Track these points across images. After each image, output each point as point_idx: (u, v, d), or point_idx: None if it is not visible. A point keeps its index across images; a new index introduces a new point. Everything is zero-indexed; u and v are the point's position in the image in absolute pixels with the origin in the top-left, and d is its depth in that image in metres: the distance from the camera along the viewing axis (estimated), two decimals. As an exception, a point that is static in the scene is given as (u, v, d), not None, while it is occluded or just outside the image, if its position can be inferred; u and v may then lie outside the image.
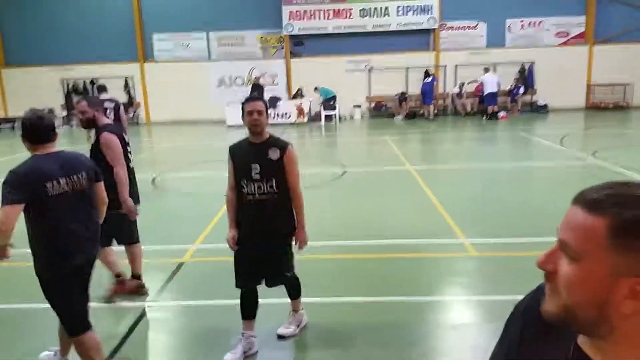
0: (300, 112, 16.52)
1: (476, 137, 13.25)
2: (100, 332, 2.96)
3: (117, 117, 8.14)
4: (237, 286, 3.24)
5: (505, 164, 9.64)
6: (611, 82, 17.48)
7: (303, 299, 3.95)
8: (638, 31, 17.20)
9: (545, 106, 17.21)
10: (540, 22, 17.60)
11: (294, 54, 18.24)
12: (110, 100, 8.56)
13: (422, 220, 5.98)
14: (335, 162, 9.92)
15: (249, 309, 3.30)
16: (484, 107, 16.22)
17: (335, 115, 16.62)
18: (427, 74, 17.20)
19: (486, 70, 16.22)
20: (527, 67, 17.52)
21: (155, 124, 18.57)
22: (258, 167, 3.16)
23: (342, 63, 17.94)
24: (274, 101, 16.42)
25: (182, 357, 3.36)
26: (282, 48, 18.27)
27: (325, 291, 4.13)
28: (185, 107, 18.13)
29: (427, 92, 16.58)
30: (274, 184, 3.18)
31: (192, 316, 3.91)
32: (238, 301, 3.32)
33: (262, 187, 3.17)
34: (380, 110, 17.95)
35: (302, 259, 4.81)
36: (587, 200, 0.81)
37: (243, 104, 3.23)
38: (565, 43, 17.71)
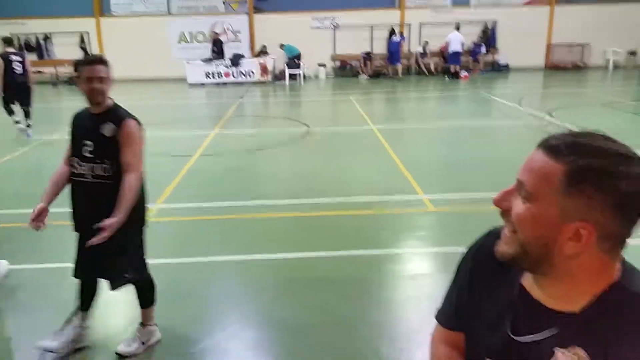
0: (264, 70, 16.28)
1: (439, 97, 13.42)
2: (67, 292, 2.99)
3: (24, 70, 8.65)
4: (72, 275, 2.75)
5: (466, 122, 9.86)
6: (570, 43, 17.85)
7: (265, 255, 4.07)
8: (597, -8, 17.50)
9: (506, 66, 17.50)
10: (504, -19, 17.66)
11: (257, 9, 17.78)
12: (15, 53, 8.85)
13: (384, 178, 6.13)
14: (300, 120, 9.93)
15: (82, 301, 2.88)
16: (448, 66, 16.36)
17: (299, 74, 16.45)
18: (392, 33, 17.13)
19: (457, 27, 16.21)
20: (490, 27, 17.65)
21: (113, 82, 17.93)
22: (92, 145, 2.56)
23: (307, 20, 17.64)
24: (237, 58, 16.11)
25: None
26: (246, 2, 17.76)
27: (287, 247, 4.24)
28: (144, 64, 17.56)
29: (395, 52, 16.53)
30: (109, 167, 2.56)
31: (157, 274, 3.95)
32: (197, 259, 3.34)
33: (95, 170, 2.57)
34: (345, 70, 17.86)
35: (264, 217, 4.92)
36: (549, 146, 0.86)
37: (79, 65, 2.62)
38: (528, 3, 17.86)
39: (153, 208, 5.19)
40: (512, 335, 0.96)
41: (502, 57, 17.72)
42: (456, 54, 15.93)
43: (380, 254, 4.12)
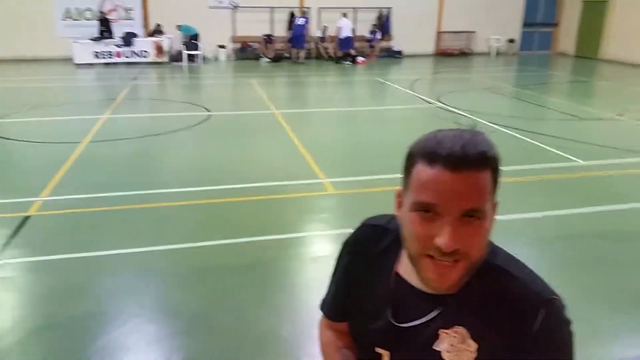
0: (159, 50, 15.52)
1: (338, 82, 13.71)
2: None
3: None
4: None
5: (363, 107, 10.21)
6: (457, 30, 19.01)
7: (164, 246, 3.98)
8: (481, -17, 18.75)
9: (400, 52, 18.24)
10: (398, -32, 18.27)
11: (150, -14, 16.83)
12: None
13: (285, 162, 6.19)
14: (199, 105, 9.66)
15: None
16: (347, 51, 16.73)
17: (198, 55, 15.91)
18: (293, 16, 17.06)
19: (344, 15, 16.64)
20: (384, 14, 18.25)
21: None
22: None
23: (204, -1, 17.04)
24: (129, 37, 15.19)
25: (34, 313, 3.22)
26: (137, -22, 16.73)
27: (187, 237, 4.16)
28: (25, 43, 15.94)
29: (300, 35, 16.42)
30: None
31: (41, 272, 3.70)
32: (90, 253, 3.19)
33: None
34: (246, 52, 17.55)
35: (161, 207, 4.78)
36: (475, 162, 0.84)
37: None
38: (419, -9, 18.67)
39: (37, 201, 4.82)
40: (395, 323, 1.00)
41: (396, 44, 18.44)
42: (347, 40, 16.40)
43: (282, 238, 4.19)
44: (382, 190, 5.03)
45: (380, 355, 1.04)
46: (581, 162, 6.08)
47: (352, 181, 5.49)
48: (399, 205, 0.94)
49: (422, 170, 0.86)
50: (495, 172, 0.87)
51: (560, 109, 9.47)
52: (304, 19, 16.41)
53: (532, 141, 6.96)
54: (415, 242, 0.89)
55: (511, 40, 19.53)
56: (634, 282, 3.54)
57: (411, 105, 9.90)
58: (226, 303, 3.29)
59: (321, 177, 5.58)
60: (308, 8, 17.33)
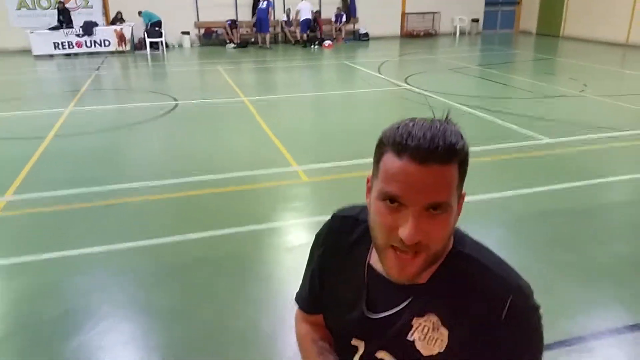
0: (121, 39, 15.10)
1: (306, 66, 13.62)
2: None
3: None
4: None
5: (332, 91, 10.19)
6: (422, 11, 19.07)
7: (137, 242, 3.92)
8: (444, -37, 18.81)
9: (366, 34, 18.21)
10: (361, -53, 18.15)
11: (108, -28, 16.29)
12: None
13: (257, 151, 6.15)
14: (166, 94, 9.46)
15: None
16: (314, 35, 16.62)
17: (161, 42, 15.54)
18: (257, 1, 16.80)
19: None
20: (350, -5, 18.15)
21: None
22: None
23: (165, -16, 16.58)
24: (89, 26, 14.72)
25: (5, 317, 3.13)
26: (94, -35, 16.17)
27: (160, 232, 4.10)
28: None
29: (263, 19, 16.22)
30: None
31: (10, 275, 3.60)
32: (60, 253, 3.10)
33: None
34: (210, 38, 17.23)
35: (132, 201, 4.69)
36: (443, 155, 0.83)
37: None
38: (384, -28, 18.62)
39: (1, 201, 4.67)
40: (369, 314, 1.02)
41: (362, 27, 18.39)
42: (306, 22, 16.40)
43: (256, 229, 4.17)
44: (354, 176, 5.05)
45: (356, 347, 1.06)
46: (547, 139, 6.23)
47: (324, 168, 5.49)
48: (369, 190, 0.95)
49: (390, 161, 0.85)
50: (463, 164, 0.87)
51: (524, 87, 9.65)
52: (266, 2, 16.16)
53: (498, 120, 7.08)
54: (380, 232, 0.89)
55: (475, 20, 19.71)
56: (605, 257, 3.67)
57: (379, 88, 9.93)
58: (203, 297, 3.27)
59: (293, 165, 5.56)
60: (272, -8, 17.08)
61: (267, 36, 16.45)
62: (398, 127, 0.87)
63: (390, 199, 0.86)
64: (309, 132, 7.17)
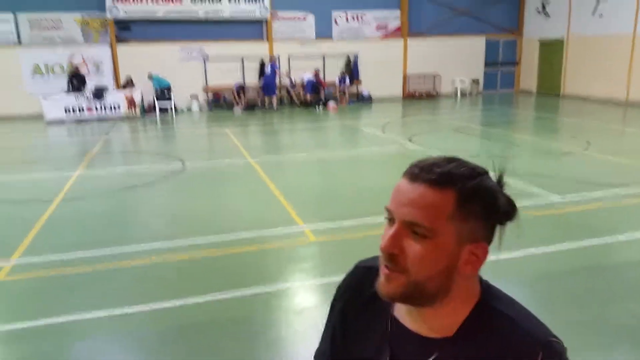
0: (131, 103, 15.52)
1: (311, 128, 13.88)
2: None
3: None
4: None
5: (338, 151, 10.32)
6: (423, 73, 19.64)
7: (144, 306, 3.84)
8: (444, 26, 19.54)
9: (369, 96, 18.67)
10: (362, 15, 18.95)
11: (120, 39, 16.99)
12: None
13: (264, 211, 6.14)
14: (174, 156, 9.60)
15: None
16: (319, 97, 17.10)
17: (170, 107, 15.96)
18: (263, 64, 17.39)
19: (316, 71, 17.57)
20: (352, 59, 18.77)
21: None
22: None
23: (175, 50, 17.25)
24: (99, 91, 15.18)
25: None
26: (107, 32, 16.90)
27: (168, 294, 4.03)
28: (-8, 101, 15.78)
29: (270, 84, 16.71)
30: None
31: (11, 342, 3.52)
32: (63, 318, 3.03)
33: None
34: (218, 102, 17.71)
35: (140, 264, 4.65)
36: (433, 178, 0.84)
37: None
38: (385, 36, 19.35)
39: (6, 265, 4.63)
40: None
41: (365, 88, 18.89)
42: (310, 83, 17.19)
43: (265, 291, 4.10)
44: (362, 235, 5.02)
45: None
46: (556, 197, 6.21)
47: (332, 227, 5.45)
48: None
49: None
50: (464, 199, 0.85)
51: (528, 146, 9.75)
52: (271, 66, 16.74)
53: (505, 178, 7.08)
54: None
55: (475, 81, 20.23)
56: (623, 317, 3.56)
57: (384, 147, 10.06)
58: (211, 363, 3.17)
59: (300, 225, 5.54)
60: (278, 56, 17.70)
61: (274, 98, 16.90)
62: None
63: (389, 219, 0.89)
64: (315, 191, 7.19)
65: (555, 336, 0.90)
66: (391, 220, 0.89)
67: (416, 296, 0.89)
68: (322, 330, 1.19)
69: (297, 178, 8.01)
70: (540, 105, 17.05)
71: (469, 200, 0.86)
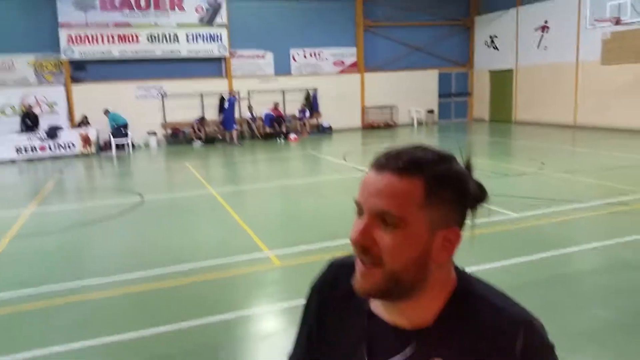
0: (86, 141, 15.16)
1: (273, 158, 13.87)
2: None
3: None
4: None
5: (300, 180, 10.31)
6: (380, 105, 20.10)
7: (98, 340, 3.64)
8: (398, 61, 20.19)
9: (329, 127, 18.91)
10: (320, 52, 19.38)
11: (75, 80, 16.72)
12: None
13: (228, 239, 6.02)
14: (132, 191, 9.35)
15: None
16: (279, 130, 17.19)
17: (127, 143, 15.66)
18: (222, 99, 17.39)
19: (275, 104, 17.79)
20: (311, 93, 19.06)
21: None
22: None
23: (132, 89, 17.08)
24: (53, 130, 14.78)
25: None
26: (62, 73, 16.60)
27: (124, 327, 3.84)
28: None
29: (229, 117, 16.67)
30: None
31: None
32: (23, 355, 2.86)
33: None
34: (177, 137, 17.51)
35: (94, 299, 4.43)
36: (400, 166, 0.83)
37: None
38: (342, 71, 19.79)
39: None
40: None
41: (325, 120, 19.14)
42: (268, 116, 17.36)
43: (229, 318, 3.96)
44: (327, 258, 4.94)
45: None
46: (514, 214, 6.35)
47: (296, 251, 5.38)
48: None
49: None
50: (432, 185, 0.83)
51: (485, 168, 10.00)
52: (229, 101, 16.72)
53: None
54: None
55: (430, 111, 20.84)
56: (586, 322, 3.61)
57: (345, 174, 10.12)
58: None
59: (265, 250, 5.44)
60: (238, 92, 17.78)
61: (234, 133, 16.82)
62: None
63: (358, 210, 0.87)
64: (279, 218, 7.12)
65: (535, 317, 0.88)
66: (360, 213, 0.86)
67: (393, 290, 0.86)
68: (294, 337, 1.13)
69: (260, 206, 7.92)
70: (494, 131, 17.66)
71: (439, 186, 0.84)
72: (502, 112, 20.01)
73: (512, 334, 0.84)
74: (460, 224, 0.88)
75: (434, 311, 0.89)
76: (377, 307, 0.96)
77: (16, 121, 15.29)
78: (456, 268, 0.94)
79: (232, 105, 16.78)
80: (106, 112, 15.75)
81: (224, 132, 17.08)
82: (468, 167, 0.90)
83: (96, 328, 3.84)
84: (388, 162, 0.84)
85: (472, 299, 0.89)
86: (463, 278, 0.93)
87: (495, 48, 20.12)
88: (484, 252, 5.09)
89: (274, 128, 17.42)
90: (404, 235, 0.82)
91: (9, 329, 3.92)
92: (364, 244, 0.83)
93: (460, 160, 0.91)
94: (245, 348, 3.60)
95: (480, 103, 21.26)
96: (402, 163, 0.83)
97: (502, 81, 19.87)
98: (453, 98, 21.57)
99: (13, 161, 13.99)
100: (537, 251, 5.04)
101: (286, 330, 3.75)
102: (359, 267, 0.87)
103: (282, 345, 3.52)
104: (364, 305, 0.97)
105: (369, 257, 0.84)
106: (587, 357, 3.15)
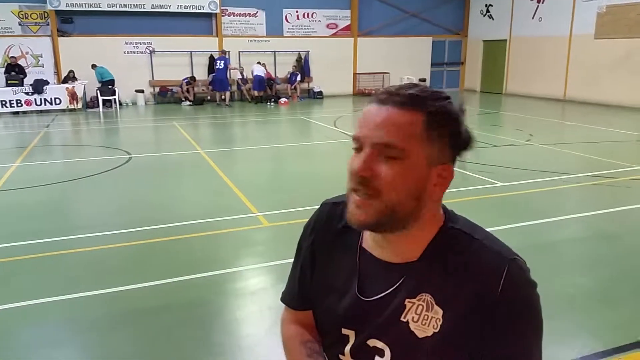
0: (73, 97, 14.87)
1: (262, 121, 13.78)
2: None
3: None
4: None
5: (289, 143, 10.30)
6: (372, 71, 19.92)
7: (92, 292, 3.70)
8: (392, 26, 19.91)
9: (320, 92, 18.75)
10: (313, 13, 19.00)
11: (62, 33, 16.25)
12: None
13: (216, 200, 6.04)
14: (119, 148, 9.27)
15: None
16: (270, 93, 16.99)
17: (114, 100, 15.40)
18: (212, 59, 17.02)
19: (258, 62, 17.20)
20: (303, 56, 18.79)
21: None
22: None
23: (120, 44, 16.67)
24: (39, 84, 14.46)
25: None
26: (48, 25, 16.12)
27: (117, 280, 3.89)
28: None
29: (223, 79, 16.16)
30: None
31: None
32: (6, 306, 2.89)
33: None
34: (165, 96, 17.24)
35: (87, 251, 4.46)
36: (402, 100, 0.85)
37: None
38: (335, 34, 19.48)
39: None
40: (361, 298, 0.97)
41: (316, 85, 18.95)
42: (258, 79, 16.83)
43: (218, 274, 4.03)
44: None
45: (347, 337, 1.00)
46: (501, 183, 6.45)
47: (285, 213, 5.42)
48: None
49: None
50: (432, 120, 0.86)
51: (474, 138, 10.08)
52: (223, 62, 16.31)
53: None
54: (347, 178, 0.90)
55: (422, 80, 20.69)
56: (568, 288, 3.73)
57: (336, 140, 10.12)
58: (162, 346, 3.07)
59: (254, 211, 5.48)
60: (228, 52, 17.44)
61: (228, 94, 16.54)
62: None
63: (356, 145, 0.89)
64: (268, 181, 7.14)
65: (519, 256, 0.92)
66: (358, 148, 0.89)
67: (388, 221, 0.88)
68: (289, 274, 1.17)
69: (249, 168, 7.92)
70: (484, 101, 17.66)
71: (437, 121, 0.86)
72: (493, 83, 19.97)
73: (496, 270, 0.87)
74: (453, 163, 0.92)
75: (422, 246, 0.93)
76: (367, 243, 0.99)
77: (0, 73, 14.93)
78: (444, 207, 0.98)
79: (227, 65, 16.36)
80: (93, 66, 15.42)
81: (214, 92, 16.82)
82: (462, 110, 0.92)
83: (88, 281, 3.89)
84: (390, 97, 0.87)
85: (459, 235, 0.93)
86: (450, 216, 0.97)
87: (491, 17, 19.91)
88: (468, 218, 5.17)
89: (264, 91, 17.18)
90: (404, 167, 0.85)
91: (0, 280, 3.95)
92: (365, 175, 0.86)
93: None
94: (234, 303, 3.67)
95: (472, 73, 21.17)
96: (404, 97, 0.86)
97: (495, 52, 19.75)
98: (445, 67, 21.43)
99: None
100: (520, 220, 5.15)
101: (274, 286, 3.82)
102: (354, 199, 0.89)
103: (271, 300, 3.60)
104: (355, 242, 1.01)
105: (368, 189, 0.86)
106: (566, 321, 3.28)
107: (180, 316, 3.40)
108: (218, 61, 16.25)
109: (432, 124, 0.86)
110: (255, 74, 16.88)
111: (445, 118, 0.88)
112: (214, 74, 16.55)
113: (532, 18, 17.88)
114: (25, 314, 3.41)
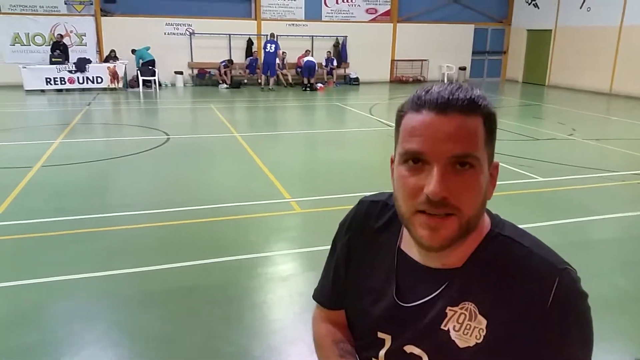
0: (114, 76, 15.18)
1: (298, 106, 13.76)
2: None
3: None
4: None
5: (325, 129, 10.25)
6: (411, 58, 19.58)
7: (126, 270, 3.79)
8: (433, 12, 19.48)
9: (356, 79, 18.57)
10: (352, -3, 18.77)
11: (105, 12, 16.57)
12: None
13: (250, 184, 6.08)
14: (157, 129, 9.43)
15: None
16: (302, 78, 16.91)
17: (154, 81, 15.66)
18: (251, 43, 17.04)
19: (307, 52, 17.13)
20: (340, 41, 18.61)
21: None
22: None
23: (161, 25, 16.89)
24: (82, 63, 14.81)
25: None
26: (92, 4, 16.46)
27: (150, 260, 3.97)
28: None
29: (271, 63, 16.05)
30: None
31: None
32: (41, 279, 2.98)
33: None
34: (203, 78, 17.42)
35: (122, 229, 4.56)
36: (463, 105, 0.80)
37: None
38: (374, 20, 19.20)
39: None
40: (399, 302, 0.93)
41: (352, 71, 18.78)
42: (310, 68, 16.64)
43: (249, 257, 4.06)
44: (347, 208, 4.98)
45: (382, 341, 0.96)
46: (541, 178, 6.26)
47: (318, 200, 5.42)
48: (393, 171, 0.89)
49: (410, 118, 0.82)
50: (488, 122, 0.83)
51: (514, 131, 9.79)
52: (274, 46, 15.99)
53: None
54: (404, 197, 0.82)
55: (462, 68, 20.25)
56: (606, 290, 3.60)
57: (370, 127, 10.02)
58: (192, 324, 3.12)
59: (287, 197, 5.49)
60: (266, 35, 17.41)
61: (272, 79, 16.48)
62: (417, 91, 0.85)
63: (413, 159, 0.81)
64: (302, 167, 7.14)
65: (570, 265, 0.87)
66: (419, 162, 0.80)
67: (464, 234, 0.83)
68: (322, 272, 1.14)
69: (283, 153, 7.94)
70: (526, 93, 17.15)
71: (492, 122, 0.84)
72: (536, 74, 19.34)
73: (546, 281, 0.82)
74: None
75: (465, 254, 0.88)
76: (407, 246, 0.95)
77: (45, 51, 15.36)
78: (488, 211, 0.93)
79: (277, 49, 16.21)
80: (133, 51, 15.69)
81: (250, 76, 16.83)
82: None
83: (120, 259, 3.98)
84: (450, 103, 0.79)
85: (507, 242, 0.88)
86: (496, 222, 0.92)
87: (536, 6, 19.21)
88: (505, 213, 5.02)
89: (313, 77, 16.96)
90: (477, 176, 0.81)
91: (35, 254, 4.09)
92: (446, 195, 0.78)
93: None
94: (265, 286, 3.69)
95: (515, 63, 20.54)
96: (465, 101, 0.80)
97: (539, 41, 19.09)
98: (487, 56, 20.87)
99: (42, 91, 14.16)
100: (560, 217, 4.99)
101: (304, 273, 3.83)
102: (424, 221, 0.81)
103: (301, 286, 3.61)
104: (393, 243, 0.97)
105: (447, 208, 0.79)
106: (606, 322, 3.17)
107: (210, 297, 3.45)
108: (268, 44, 16.01)
109: (490, 125, 0.83)
110: (306, 59, 16.70)
111: (495, 117, 0.85)
112: (250, 57, 16.56)
113: (581, 7, 17.16)
114: (59, 289, 3.52)
